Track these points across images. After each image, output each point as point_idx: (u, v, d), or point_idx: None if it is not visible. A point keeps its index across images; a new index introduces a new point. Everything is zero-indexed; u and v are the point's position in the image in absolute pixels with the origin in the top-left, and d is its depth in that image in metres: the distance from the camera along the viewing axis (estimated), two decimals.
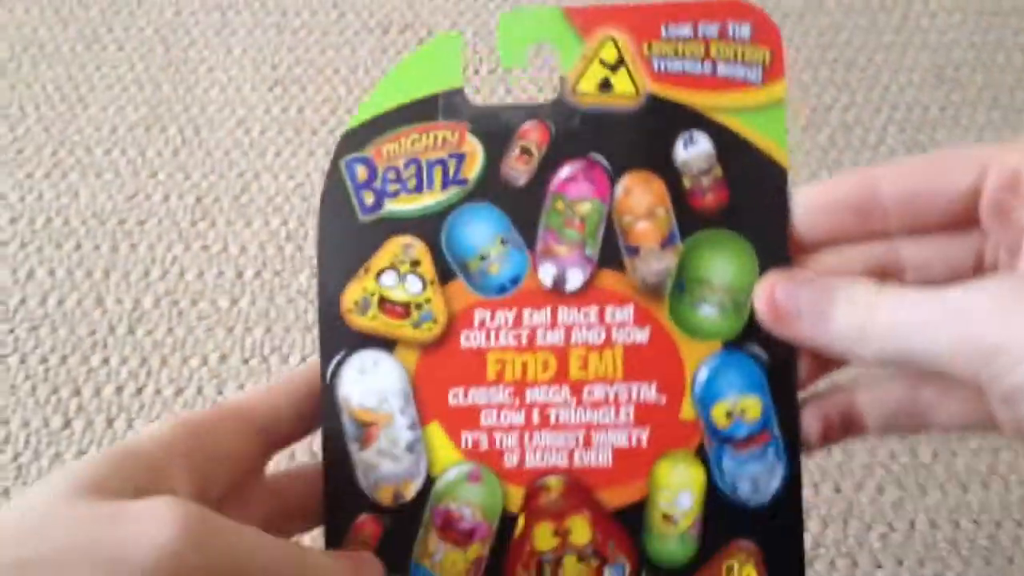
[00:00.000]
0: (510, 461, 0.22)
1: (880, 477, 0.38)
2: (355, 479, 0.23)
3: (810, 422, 0.22)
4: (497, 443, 0.22)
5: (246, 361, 0.41)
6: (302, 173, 0.47)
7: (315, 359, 0.23)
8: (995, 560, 0.36)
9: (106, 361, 0.41)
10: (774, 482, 0.22)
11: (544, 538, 0.22)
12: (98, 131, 0.48)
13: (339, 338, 0.23)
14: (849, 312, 0.20)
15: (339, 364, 0.23)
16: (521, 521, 0.22)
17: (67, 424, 0.39)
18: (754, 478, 0.22)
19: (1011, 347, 0.17)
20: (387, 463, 0.23)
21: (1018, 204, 0.20)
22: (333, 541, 0.22)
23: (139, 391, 0.40)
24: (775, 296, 0.21)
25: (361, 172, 0.23)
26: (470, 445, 0.22)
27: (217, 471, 0.20)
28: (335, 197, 0.23)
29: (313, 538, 0.24)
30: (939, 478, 0.38)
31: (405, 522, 0.23)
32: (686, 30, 0.22)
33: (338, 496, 0.23)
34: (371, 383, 0.23)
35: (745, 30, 0.22)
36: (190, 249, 0.44)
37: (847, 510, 0.38)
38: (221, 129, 0.48)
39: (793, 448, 0.22)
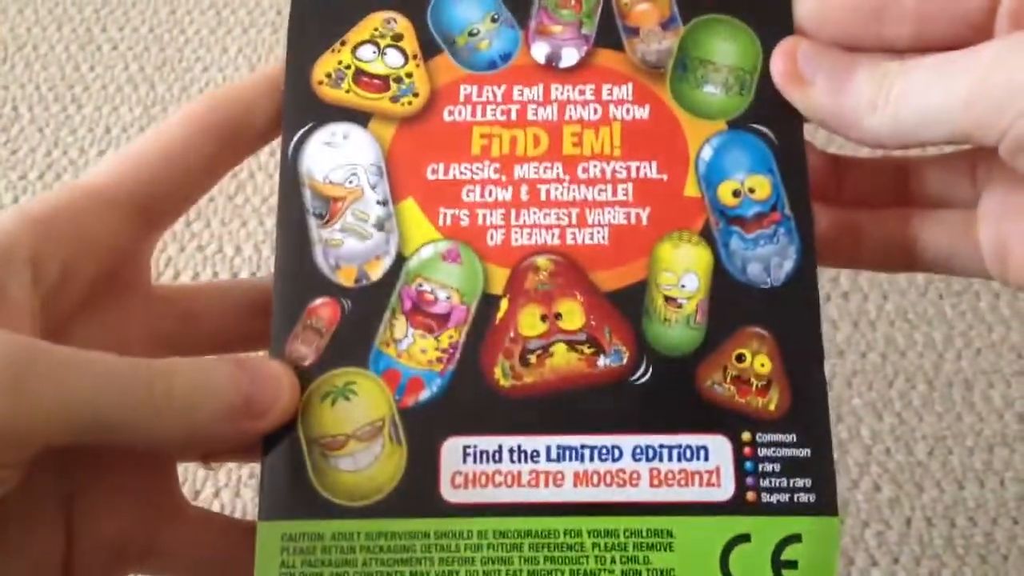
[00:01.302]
0: (493, 239, 0.20)
1: (876, 475, 0.38)
2: (313, 258, 0.20)
3: (820, 219, 0.21)
4: (480, 220, 0.21)
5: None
6: None
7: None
8: (991, 558, 0.36)
9: None
10: (787, 264, 0.20)
11: (530, 323, 0.20)
12: (92, 131, 0.48)
13: (306, 110, 0.21)
14: (869, 77, 0.19)
15: (304, 136, 0.21)
16: (504, 304, 0.20)
17: None
18: (765, 260, 0.20)
19: None
20: (352, 240, 0.20)
21: None
22: (281, 328, 0.20)
23: None
24: (797, 56, 0.20)
25: None
26: (448, 222, 0.21)
27: (76, 264, 0.18)
28: None
29: None
30: (935, 476, 0.38)
31: (368, 305, 0.20)
32: None
33: (292, 277, 0.20)
34: (339, 156, 0.21)
35: None
36: (185, 250, 0.44)
37: (843, 508, 0.38)
38: None
39: (807, 229, 0.20)
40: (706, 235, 0.21)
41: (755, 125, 0.21)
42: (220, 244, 0.45)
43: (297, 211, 0.21)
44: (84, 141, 0.48)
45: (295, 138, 0.21)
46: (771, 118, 0.21)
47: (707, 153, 0.21)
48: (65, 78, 0.50)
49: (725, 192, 0.21)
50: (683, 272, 0.20)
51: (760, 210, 0.21)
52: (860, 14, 0.21)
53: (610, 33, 0.22)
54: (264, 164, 0.47)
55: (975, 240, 0.21)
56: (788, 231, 0.21)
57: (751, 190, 0.21)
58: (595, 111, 0.21)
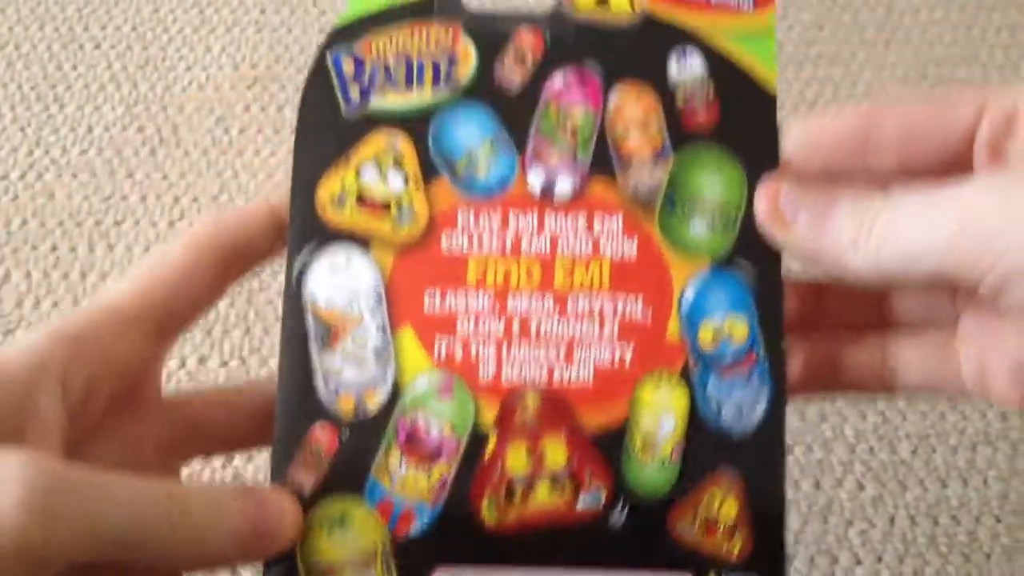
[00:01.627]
0: (485, 373, 0.21)
1: (859, 473, 0.38)
2: (314, 385, 0.21)
3: (794, 359, 0.22)
4: (473, 353, 0.21)
5: (225, 363, 0.41)
6: (282, 172, 0.47)
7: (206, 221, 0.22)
8: (974, 556, 0.37)
9: None
10: (759, 408, 0.21)
11: (517, 459, 0.21)
12: (74, 131, 0.48)
13: (310, 233, 0.22)
14: (850, 214, 0.20)
15: (308, 260, 0.21)
16: (493, 439, 0.21)
17: None
18: (739, 404, 0.21)
19: (1014, 227, 0.18)
20: (351, 369, 0.21)
21: (1010, 143, 0.20)
22: (283, 454, 0.21)
23: None
24: (778, 196, 0.21)
25: (348, 66, 0.22)
26: (443, 354, 0.21)
27: (101, 382, 0.19)
28: (318, 90, 0.22)
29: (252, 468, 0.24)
30: (918, 474, 0.39)
31: (365, 435, 0.21)
32: None
33: (293, 403, 0.21)
34: (342, 282, 0.21)
35: None
36: None
37: (827, 506, 0.38)
38: (199, 128, 0.48)
39: (779, 373, 0.21)
40: (685, 376, 0.21)
41: (737, 264, 0.22)
42: None
43: (300, 335, 0.21)
44: (67, 140, 0.47)
45: (299, 260, 0.22)
46: (752, 257, 0.22)
47: (690, 293, 0.22)
48: (47, 77, 0.50)
49: (705, 333, 0.22)
50: (661, 414, 0.21)
51: (736, 353, 0.21)
52: (845, 146, 0.21)
53: (604, 161, 0.22)
54: (248, 163, 0.47)
55: (955, 361, 0.22)
56: (761, 374, 0.21)
57: (729, 332, 0.22)
58: (586, 244, 0.22)
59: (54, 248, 0.44)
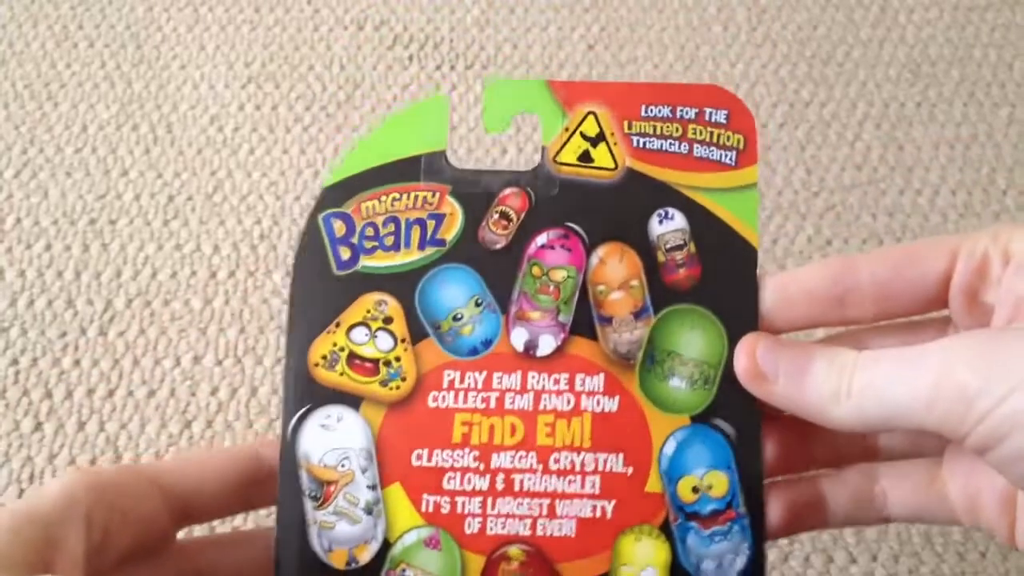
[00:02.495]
0: (471, 528, 0.22)
1: None
2: (308, 540, 0.22)
3: (774, 507, 0.22)
4: (459, 508, 0.22)
5: (220, 362, 0.41)
6: (276, 171, 0.47)
7: (260, 438, 0.23)
8: (969, 555, 0.37)
9: (77, 363, 0.40)
10: (739, 561, 0.22)
11: None
12: (68, 129, 0.48)
13: (304, 392, 0.23)
14: (828, 370, 0.20)
15: (301, 419, 0.22)
16: None
17: (38, 427, 0.39)
18: (719, 557, 0.22)
19: (990, 389, 0.18)
20: (344, 524, 0.22)
21: (984, 288, 0.21)
22: None
23: (111, 393, 0.40)
24: (756, 353, 0.21)
25: (339, 227, 0.23)
26: (431, 509, 0.22)
27: (120, 531, 0.21)
28: (311, 250, 0.23)
29: None
30: None
31: None
32: (665, 111, 0.23)
33: (289, 558, 0.22)
34: (333, 440, 0.22)
35: (722, 116, 0.23)
36: (162, 249, 0.44)
37: None
38: (194, 127, 0.48)
39: (759, 527, 0.22)
40: (665, 530, 0.22)
41: (716, 421, 0.22)
42: (198, 243, 0.44)
43: (295, 491, 0.22)
44: (60, 139, 0.47)
45: (294, 420, 0.22)
46: (732, 413, 0.22)
47: (669, 448, 0.22)
48: (41, 75, 0.49)
49: (685, 488, 0.22)
50: (642, 568, 0.22)
51: (716, 507, 0.22)
52: (821, 302, 0.22)
53: (585, 321, 0.23)
54: (243, 162, 0.47)
55: (944, 492, 0.22)
56: (742, 528, 0.22)
57: (709, 487, 0.22)
58: (568, 402, 0.22)
59: (48, 247, 0.44)
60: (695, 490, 0.22)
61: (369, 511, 0.22)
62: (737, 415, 0.22)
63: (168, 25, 0.52)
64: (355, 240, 0.23)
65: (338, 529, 0.22)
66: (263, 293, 0.43)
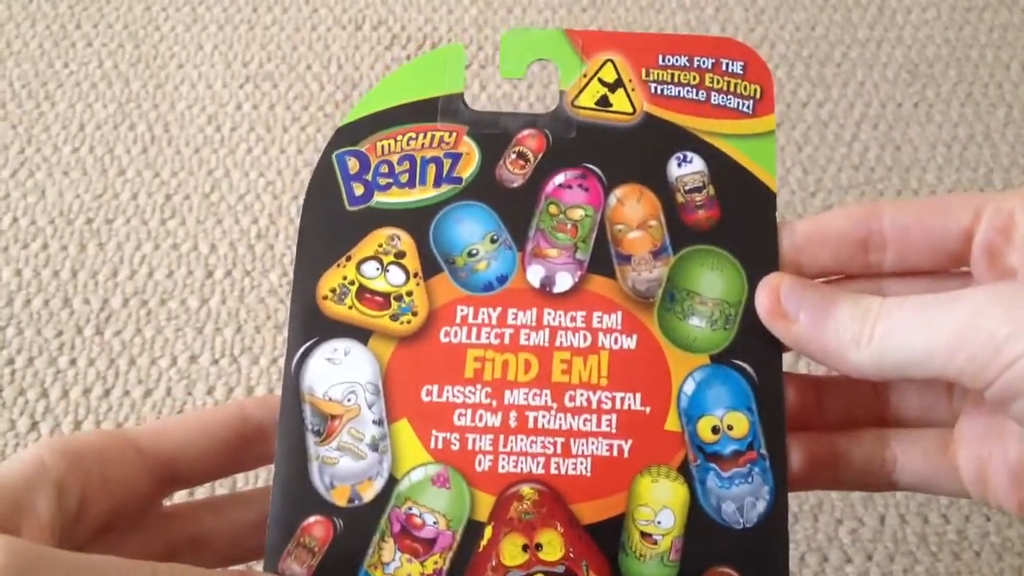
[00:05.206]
0: (481, 465, 0.21)
1: None
2: (309, 476, 0.21)
3: (795, 454, 0.22)
4: (469, 445, 0.21)
5: (216, 362, 0.41)
6: (273, 171, 0.47)
7: (238, 398, 0.22)
8: (964, 555, 0.37)
9: (73, 362, 0.40)
10: (760, 505, 0.21)
11: (512, 552, 0.21)
12: (65, 128, 0.48)
13: (310, 325, 0.22)
14: (851, 313, 0.20)
15: (307, 352, 0.22)
16: (488, 532, 0.21)
17: (34, 426, 0.39)
18: (740, 499, 0.21)
19: (1019, 334, 0.17)
20: (347, 460, 0.21)
21: (1007, 248, 0.20)
22: (276, 544, 0.21)
23: (107, 393, 0.40)
24: (780, 292, 0.21)
25: (352, 164, 0.23)
26: (440, 445, 0.21)
27: (98, 498, 0.20)
28: (323, 186, 0.23)
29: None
30: None
31: (360, 526, 0.21)
32: (683, 60, 0.23)
33: (288, 493, 0.21)
34: (340, 373, 0.21)
35: (738, 67, 0.23)
36: (159, 248, 0.44)
37: (817, 505, 0.38)
38: (191, 126, 0.48)
39: (780, 471, 0.21)
40: (684, 471, 0.21)
41: (737, 361, 0.22)
42: (195, 242, 0.44)
43: (297, 426, 0.21)
44: (58, 139, 0.47)
45: (299, 352, 0.22)
46: (753, 354, 0.22)
47: (689, 387, 0.22)
48: (39, 75, 0.49)
49: (704, 428, 0.21)
50: (660, 508, 0.21)
51: (737, 448, 0.21)
52: (843, 246, 0.21)
53: (603, 259, 0.22)
54: (240, 161, 0.47)
55: (954, 462, 0.22)
56: (763, 471, 0.21)
57: (729, 427, 0.21)
58: (585, 339, 0.22)
59: (45, 246, 0.44)
60: (715, 430, 0.21)
61: (375, 447, 0.21)
62: (757, 356, 0.22)
63: (166, 24, 0.52)
64: (369, 177, 0.23)
65: (342, 465, 0.21)
66: (260, 293, 0.43)
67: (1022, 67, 0.52)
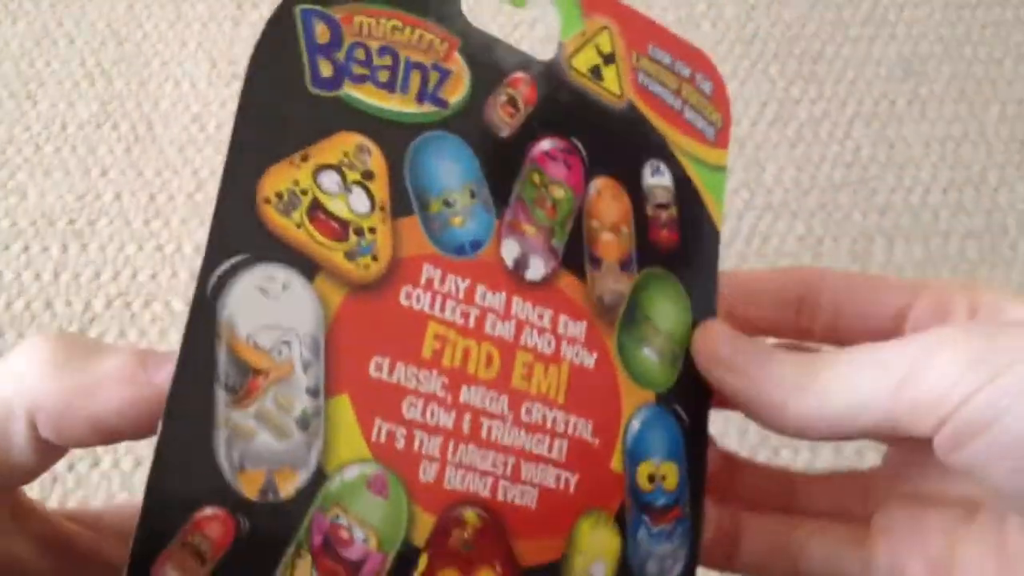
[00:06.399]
0: (426, 475, 0.17)
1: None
2: (212, 446, 0.15)
3: (707, 525, 0.21)
4: (416, 446, 0.17)
5: None
6: None
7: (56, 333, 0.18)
8: None
9: None
10: (676, 568, 0.20)
11: None
12: (47, 128, 0.47)
13: (243, 235, 0.16)
14: (795, 361, 0.19)
15: (232, 271, 0.16)
16: (423, 563, 0.17)
17: None
18: (662, 559, 0.20)
19: (979, 367, 0.17)
20: (266, 436, 0.16)
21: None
22: (149, 542, 0.15)
23: None
24: (717, 336, 0.20)
25: (321, 31, 0.18)
26: (383, 439, 0.17)
27: None
28: (278, 52, 0.17)
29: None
30: None
31: (271, 530, 0.16)
32: (667, 59, 0.22)
33: (178, 468, 0.15)
34: (273, 312, 0.16)
35: (707, 86, 0.22)
36: (143, 249, 0.43)
37: None
38: (175, 125, 0.47)
39: (696, 534, 0.20)
40: (620, 520, 0.20)
41: (675, 406, 0.20)
42: (179, 244, 0.43)
43: (204, 372, 0.15)
44: (40, 138, 0.46)
45: (221, 268, 0.16)
46: (690, 402, 0.20)
47: (635, 426, 0.20)
48: (20, 74, 0.49)
49: (643, 474, 0.20)
50: (594, 559, 0.19)
51: (667, 502, 0.20)
52: (778, 305, 0.21)
53: (576, 256, 0.20)
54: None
55: (866, 556, 0.20)
56: (683, 532, 0.20)
57: (663, 477, 0.20)
58: (549, 344, 0.20)
59: (26, 248, 0.43)
60: (651, 479, 0.20)
61: (304, 424, 0.16)
62: (692, 405, 0.20)
63: (149, 22, 0.51)
64: (340, 56, 0.18)
65: (258, 441, 0.16)
66: None
67: (1015, 64, 0.51)
